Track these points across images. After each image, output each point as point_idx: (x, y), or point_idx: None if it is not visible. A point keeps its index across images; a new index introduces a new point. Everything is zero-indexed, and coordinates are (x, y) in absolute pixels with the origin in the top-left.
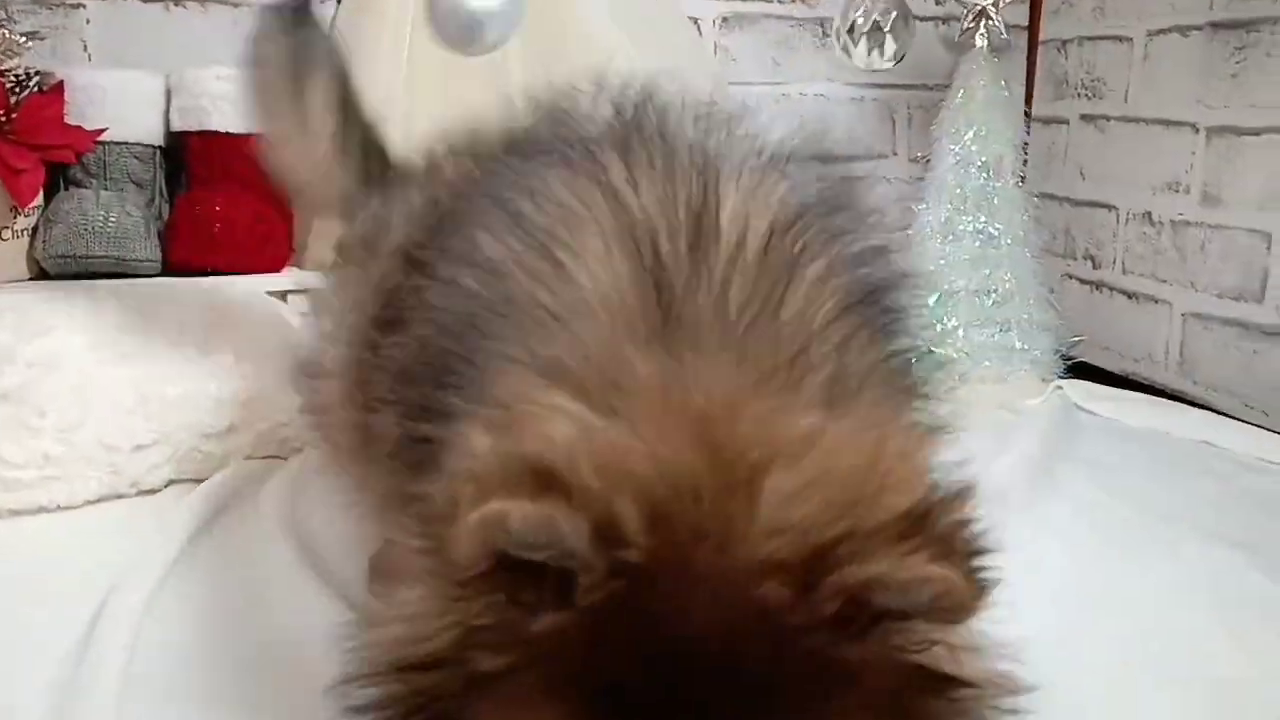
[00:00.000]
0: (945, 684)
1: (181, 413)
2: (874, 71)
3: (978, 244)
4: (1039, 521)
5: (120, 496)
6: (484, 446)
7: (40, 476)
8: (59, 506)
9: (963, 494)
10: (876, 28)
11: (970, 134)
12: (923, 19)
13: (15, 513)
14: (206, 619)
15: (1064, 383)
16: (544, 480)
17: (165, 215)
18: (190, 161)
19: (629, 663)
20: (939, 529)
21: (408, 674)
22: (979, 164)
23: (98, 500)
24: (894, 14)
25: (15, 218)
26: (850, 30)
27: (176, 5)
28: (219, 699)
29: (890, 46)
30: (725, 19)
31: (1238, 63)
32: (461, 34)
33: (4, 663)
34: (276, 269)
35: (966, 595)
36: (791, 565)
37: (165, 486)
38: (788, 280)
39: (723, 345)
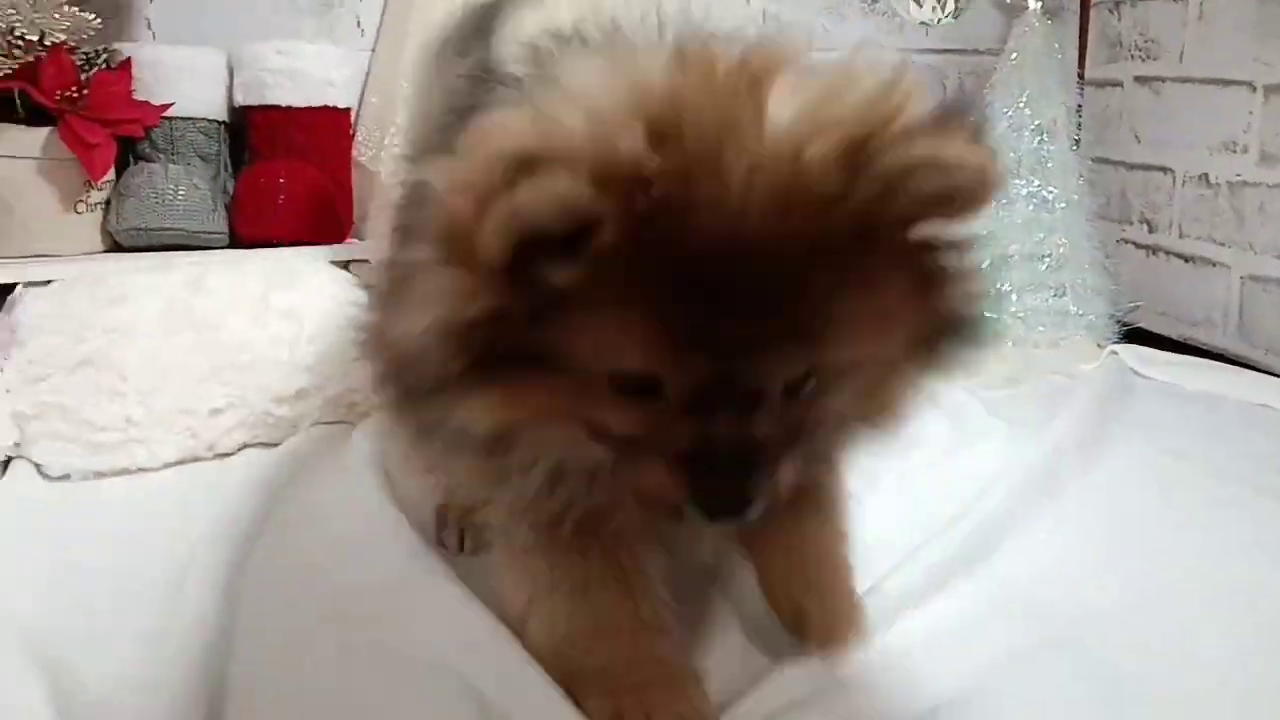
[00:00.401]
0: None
1: (253, 378)
2: (928, 30)
3: (1031, 208)
4: (1097, 484)
5: (198, 459)
6: (458, 170)
7: (124, 439)
8: (140, 469)
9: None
10: None
11: (1024, 97)
12: None
13: (100, 474)
14: (295, 572)
15: (1119, 347)
16: (524, 165)
17: (230, 189)
18: (253, 136)
19: (682, 251)
20: (968, 120)
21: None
22: (1032, 127)
23: (177, 463)
24: None
25: (89, 192)
26: None
27: None
28: (311, 649)
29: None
30: None
31: None
32: None
33: (100, 617)
34: (338, 240)
35: (997, 176)
36: (830, 155)
37: (239, 450)
38: None
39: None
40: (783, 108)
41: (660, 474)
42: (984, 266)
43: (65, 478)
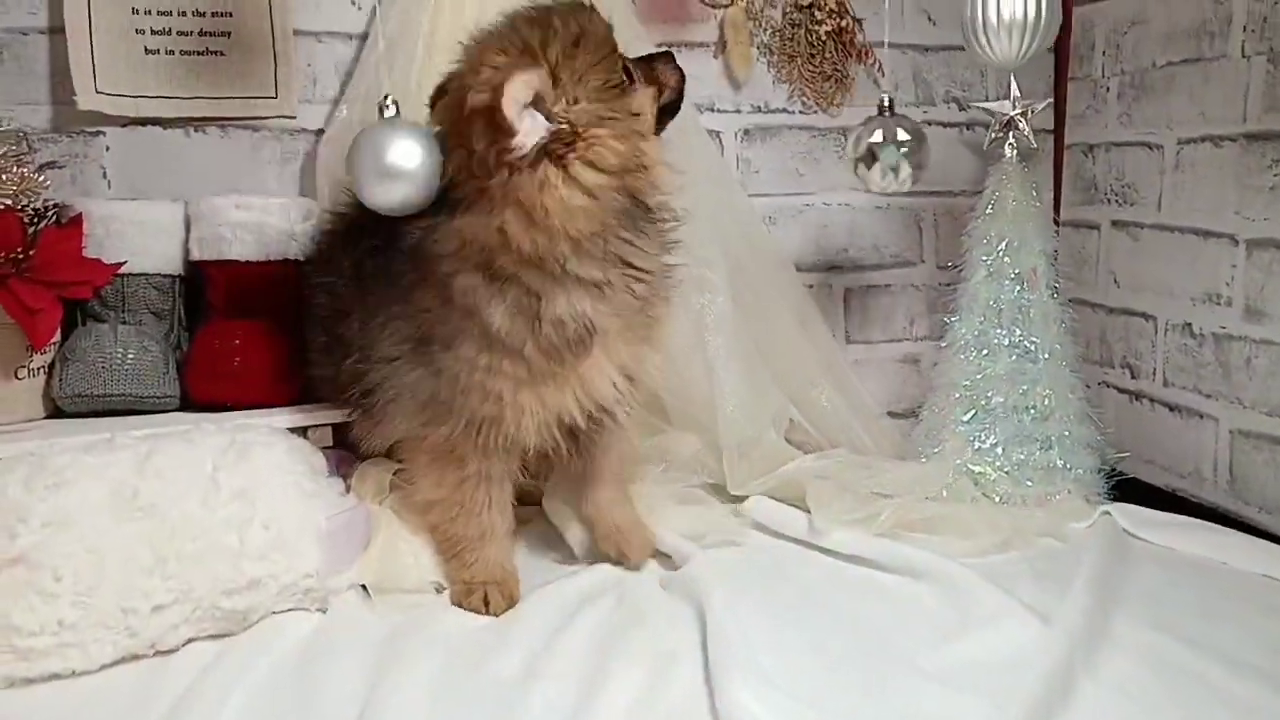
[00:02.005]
0: None
1: (201, 569)
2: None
3: (1014, 358)
4: (1110, 680)
5: (137, 657)
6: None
7: (56, 644)
8: (74, 672)
9: None
10: (891, 152)
11: (1002, 246)
12: (947, 125)
13: (29, 680)
14: None
15: (1112, 506)
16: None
17: (184, 344)
18: (209, 291)
19: None
20: None
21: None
22: (1012, 276)
23: (114, 663)
24: (909, 137)
25: (31, 356)
26: (864, 155)
27: (197, 131)
28: None
29: (905, 171)
30: (747, 131)
31: (1276, 175)
32: (377, 183)
33: None
34: (296, 400)
35: None
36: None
37: (184, 645)
38: None
39: None
40: None
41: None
42: (968, 419)
43: None
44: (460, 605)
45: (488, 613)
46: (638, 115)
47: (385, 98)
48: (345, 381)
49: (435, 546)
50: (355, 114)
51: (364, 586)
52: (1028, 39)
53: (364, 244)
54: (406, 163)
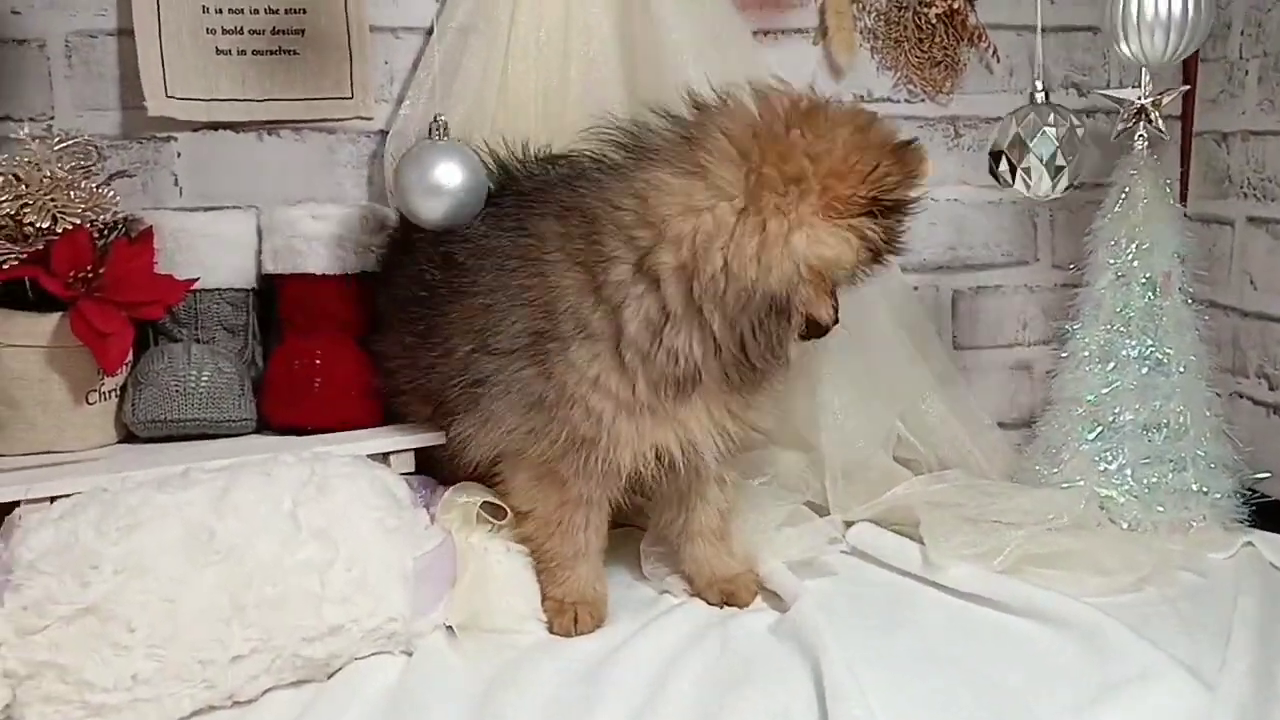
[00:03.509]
0: None
1: (281, 615)
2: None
3: (1145, 371)
4: None
5: (214, 709)
6: None
7: (129, 699)
8: None
9: None
10: (1044, 150)
11: (1132, 248)
12: None
13: None
14: None
15: (1254, 535)
16: None
17: (259, 360)
18: (284, 306)
19: None
20: None
21: None
22: (1143, 281)
23: (190, 716)
24: (1065, 132)
25: (102, 380)
26: (1011, 154)
27: (270, 135)
28: None
29: (1060, 175)
30: None
31: None
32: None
33: None
34: (379, 422)
35: None
36: None
37: (263, 695)
38: None
39: None
40: None
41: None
42: (1093, 437)
43: None
44: (550, 624)
45: (576, 632)
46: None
47: (436, 118)
48: (448, 375)
49: (527, 562)
50: (419, 111)
51: (450, 626)
52: (1177, 38)
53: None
54: (449, 181)
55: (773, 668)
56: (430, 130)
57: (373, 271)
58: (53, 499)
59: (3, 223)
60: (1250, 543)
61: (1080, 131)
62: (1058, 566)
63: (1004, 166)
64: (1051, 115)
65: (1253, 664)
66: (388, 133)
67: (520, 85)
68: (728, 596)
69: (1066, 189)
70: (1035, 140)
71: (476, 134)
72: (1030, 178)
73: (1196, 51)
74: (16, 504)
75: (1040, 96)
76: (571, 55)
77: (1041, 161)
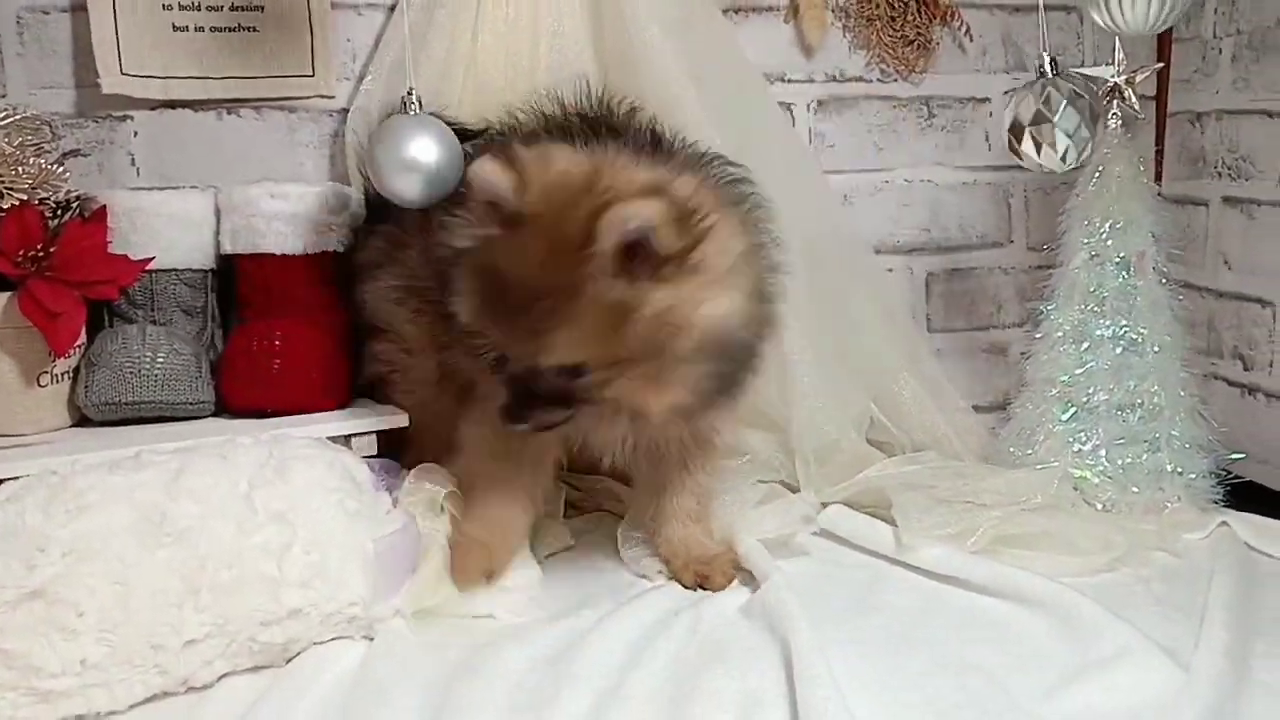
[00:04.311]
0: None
1: (237, 599)
2: (990, 146)
3: (1119, 351)
4: None
5: (168, 695)
6: None
7: (79, 684)
8: (99, 714)
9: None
10: (1068, 122)
11: (1106, 227)
12: None
13: None
14: None
15: (1228, 515)
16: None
17: (217, 343)
18: (242, 287)
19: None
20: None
21: None
22: (1117, 260)
23: (143, 702)
24: (1074, 107)
25: (54, 361)
26: (1034, 130)
27: (229, 114)
28: None
29: (1069, 145)
30: (820, 102)
31: None
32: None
33: None
34: (340, 404)
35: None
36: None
37: (219, 680)
38: None
39: None
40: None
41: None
42: (1067, 418)
43: None
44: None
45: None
46: None
47: (410, 92)
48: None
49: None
50: (380, 86)
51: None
52: (1159, 6)
53: None
54: (425, 157)
55: (744, 650)
56: (404, 104)
57: (334, 252)
58: (0, 482)
59: None
60: (1225, 523)
61: (1093, 101)
62: (1031, 547)
63: (1027, 143)
64: (1068, 87)
65: (1228, 644)
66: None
67: (489, 61)
68: (702, 579)
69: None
70: (1060, 114)
71: (445, 112)
72: (1057, 150)
73: (1170, 30)
74: None
75: (1049, 69)
76: (541, 32)
77: (1068, 134)
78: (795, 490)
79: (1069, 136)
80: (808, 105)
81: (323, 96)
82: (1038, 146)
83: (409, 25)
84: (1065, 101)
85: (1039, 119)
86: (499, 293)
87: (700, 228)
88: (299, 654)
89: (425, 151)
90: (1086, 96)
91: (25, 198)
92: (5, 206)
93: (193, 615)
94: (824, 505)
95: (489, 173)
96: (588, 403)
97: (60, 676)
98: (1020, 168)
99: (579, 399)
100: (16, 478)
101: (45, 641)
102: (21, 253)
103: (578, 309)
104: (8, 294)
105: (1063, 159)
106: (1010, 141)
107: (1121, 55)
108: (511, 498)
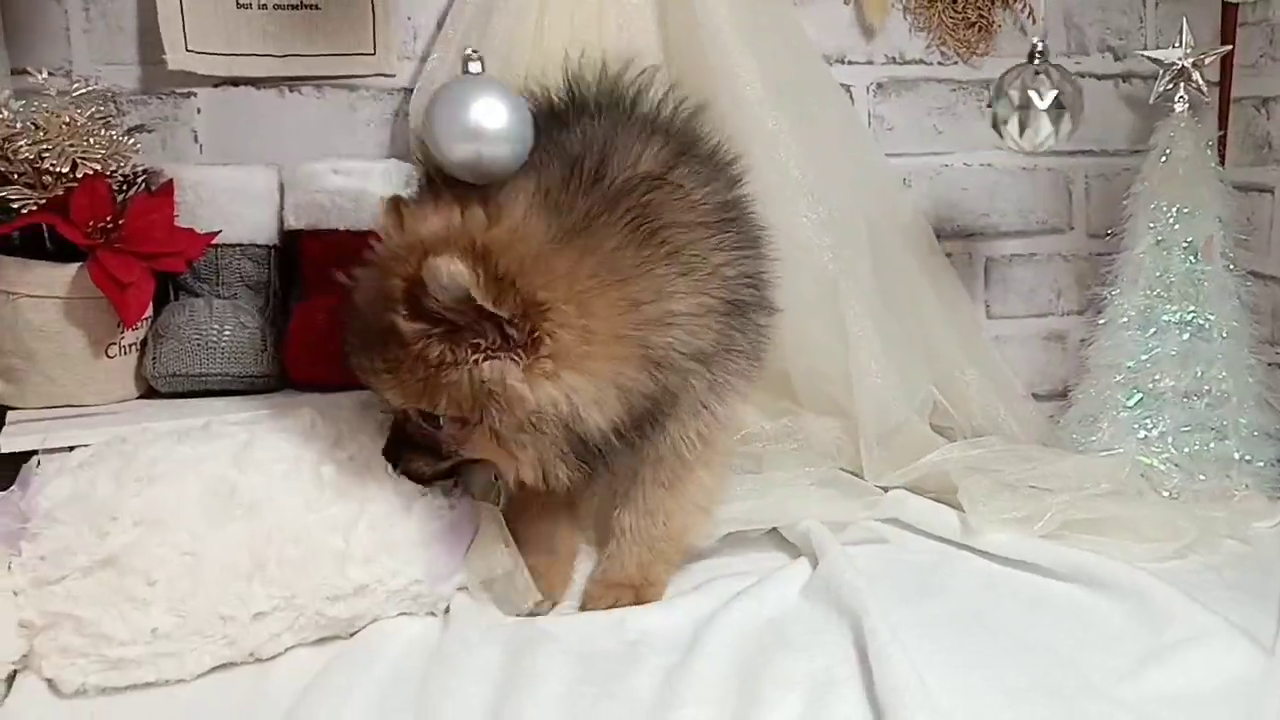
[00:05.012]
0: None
1: (304, 575)
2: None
3: (1186, 337)
4: None
5: (235, 666)
6: None
7: (149, 653)
8: (168, 682)
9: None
10: (1037, 103)
11: (1173, 211)
12: (1101, 77)
13: (119, 689)
14: None
15: None
16: None
17: (280, 319)
18: (305, 264)
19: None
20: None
21: None
22: (1184, 245)
23: (210, 671)
24: (1061, 88)
25: (122, 333)
26: (1006, 108)
27: (291, 91)
28: None
29: (1051, 128)
30: (880, 85)
31: None
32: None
33: None
34: None
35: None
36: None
37: (285, 652)
38: None
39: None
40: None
41: None
42: (1133, 404)
43: (81, 693)
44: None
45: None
46: None
47: (470, 51)
48: None
49: None
50: (444, 66)
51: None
52: None
53: None
54: (491, 122)
55: (809, 630)
56: (464, 64)
57: None
58: (70, 449)
59: (21, 169)
60: None
61: (1070, 86)
62: (1100, 533)
63: (1001, 125)
64: (1056, 73)
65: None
66: (411, 90)
67: (555, 39)
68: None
69: (1051, 142)
70: (1045, 98)
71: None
72: (1038, 134)
73: (1236, 14)
74: (33, 454)
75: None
76: (607, 7)
77: (1051, 120)
78: (856, 476)
79: (1037, 123)
80: (867, 87)
81: (384, 75)
82: (1011, 124)
83: (474, 4)
84: (1037, 87)
85: (1012, 102)
86: (355, 328)
87: (527, 299)
88: (364, 628)
89: (491, 115)
90: (1071, 86)
91: (99, 167)
92: (79, 176)
93: (260, 589)
94: (885, 490)
95: (381, 212)
96: (458, 458)
97: (130, 645)
98: (1082, 152)
99: (447, 453)
100: (86, 445)
101: (116, 611)
102: (91, 224)
103: (400, 356)
104: (77, 265)
105: (1026, 138)
106: (991, 119)
107: (1189, 37)
108: (554, 516)
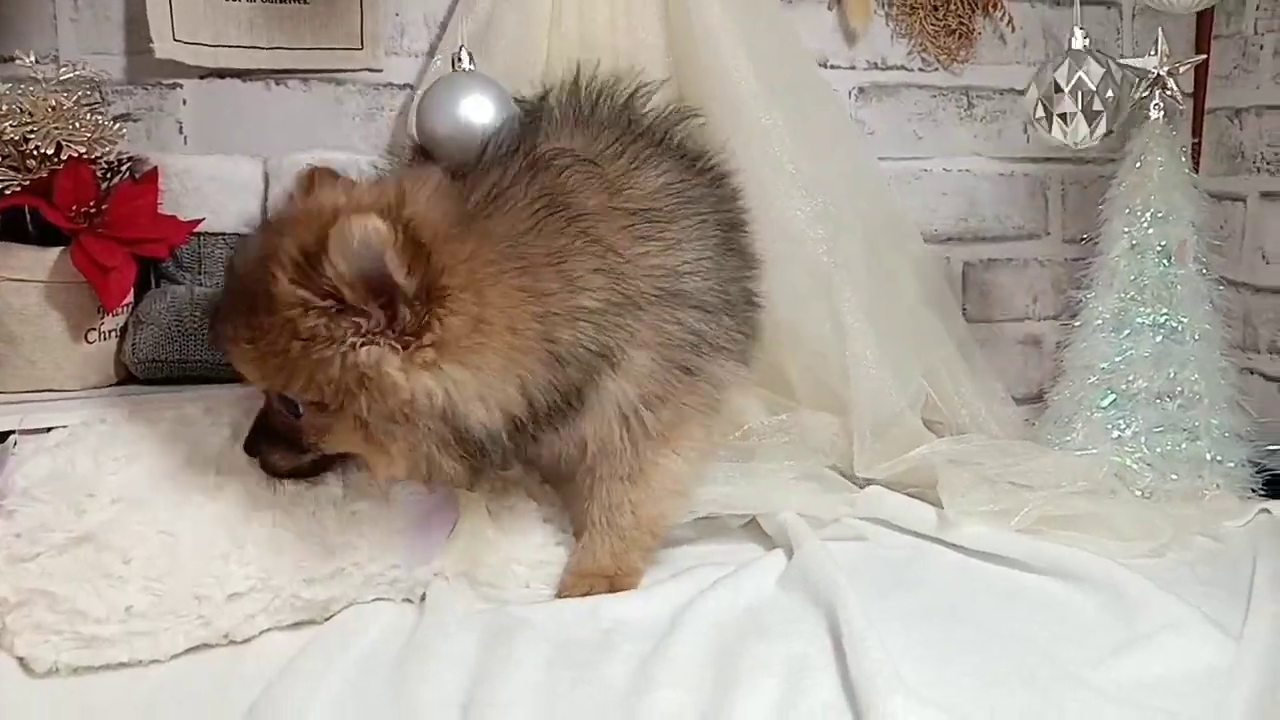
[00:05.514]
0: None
1: (281, 556)
2: (1029, 138)
3: (1159, 339)
4: None
5: (209, 646)
6: None
7: (124, 631)
8: (142, 664)
9: None
10: (1084, 97)
11: (1147, 216)
12: None
13: (92, 669)
14: None
15: (1270, 504)
16: None
17: None
18: None
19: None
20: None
21: None
22: (1158, 249)
23: (184, 653)
24: (1105, 81)
25: (102, 318)
26: (1051, 100)
27: (277, 84)
28: None
29: (1092, 123)
30: (862, 89)
31: None
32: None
33: None
34: None
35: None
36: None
37: (260, 635)
38: None
39: None
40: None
41: None
42: (1107, 404)
43: (54, 672)
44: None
45: None
46: None
47: (460, 49)
48: None
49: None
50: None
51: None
52: None
53: None
54: (479, 117)
55: (785, 619)
56: (453, 62)
57: None
58: (48, 430)
59: (5, 150)
60: (1266, 510)
61: (1119, 76)
62: (1075, 529)
63: (1040, 113)
64: (1089, 60)
65: (1277, 614)
66: (397, 85)
67: (564, 43)
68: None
69: (1105, 135)
70: (1096, 89)
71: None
72: (1067, 124)
73: (1211, 25)
74: (9, 435)
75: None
76: (617, 10)
77: (1079, 107)
78: (845, 474)
79: (1083, 117)
80: (849, 92)
81: (370, 70)
82: (1065, 119)
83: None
84: (1101, 77)
85: (1053, 90)
86: (226, 292)
87: (432, 279)
88: (339, 612)
89: (479, 110)
90: (1120, 77)
91: (84, 150)
92: (63, 159)
93: (237, 569)
94: (866, 484)
95: (295, 178)
96: (319, 453)
97: (105, 623)
98: (1059, 159)
99: (307, 446)
100: (64, 426)
101: (91, 587)
102: (75, 208)
103: (266, 325)
104: (59, 249)
105: (1090, 134)
106: (1037, 109)
107: (1164, 46)
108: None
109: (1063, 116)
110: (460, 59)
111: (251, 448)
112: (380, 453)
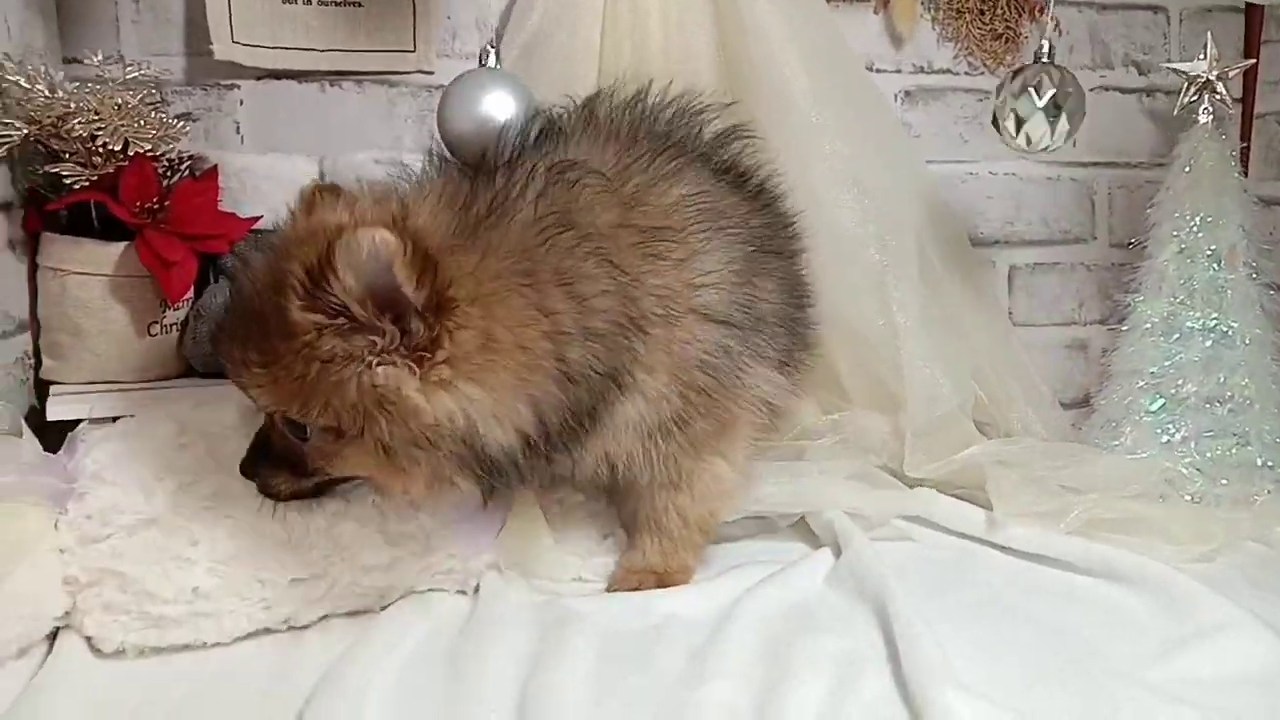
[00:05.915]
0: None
1: (341, 544)
2: (1074, 142)
3: (1209, 344)
4: None
5: (270, 631)
6: None
7: (189, 612)
8: (205, 644)
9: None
10: (1035, 101)
11: (1196, 220)
12: (1126, 91)
13: (159, 650)
14: None
15: None
16: None
17: None
18: None
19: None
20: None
21: None
22: (1208, 253)
23: (246, 636)
24: (1059, 88)
25: (164, 312)
26: (1007, 109)
27: (332, 86)
28: None
29: (1047, 128)
30: (908, 93)
31: None
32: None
33: None
34: None
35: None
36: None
37: (318, 621)
38: None
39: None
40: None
41: None
42: (1155, 409)
43: (120, 653)
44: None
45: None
46: None
47: (489, 43)
48: None
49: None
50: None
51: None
52: None
53: None
54: (500, 113)
55: (834, 615)
56: (481, 57)
57: None
58: (114, 419)
59: (73, 147)
60: None
61: (1072, 89)
62: (1126, 533)
63: (1009, 120)
64: (1044, 74)
65: None
66: None
67: (614, 48)
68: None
69: (1059, 144)
70: (1044, 99)
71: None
72: (1034, 134)
73: (1260, 30)
74: (79, 423)
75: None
76: (670, 12)
77: (1048, 120)
78: (894, 474)
79: (1034, 123)
80: (895, 95)
81: (423, 72)
82: (1018, 124)
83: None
84: (1036, 87)
85: (1012, 103)
86: (234, 313)
87: (440, 290)
88: (394, 602)
89: (500, 106)
90: (1074, 89)
91: (149, 147)
92: (129, 155)
93: (300, 555)
94: (911, 487)
95: (297, 195)
96: (325, 476)
97: (172, 603)
98: (1106, 163)
99: (312, 470)
100: (131, 415)
101: (160, 569)
102: (139, 204)
103: (282, 349)
104: (124, 244)
105: (1039, 141)
106: (993, 114)
107: (1213, 50)
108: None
109: (1020, 124)
110: (487, 55)
111: (249, 470)
112: (398, 475)
